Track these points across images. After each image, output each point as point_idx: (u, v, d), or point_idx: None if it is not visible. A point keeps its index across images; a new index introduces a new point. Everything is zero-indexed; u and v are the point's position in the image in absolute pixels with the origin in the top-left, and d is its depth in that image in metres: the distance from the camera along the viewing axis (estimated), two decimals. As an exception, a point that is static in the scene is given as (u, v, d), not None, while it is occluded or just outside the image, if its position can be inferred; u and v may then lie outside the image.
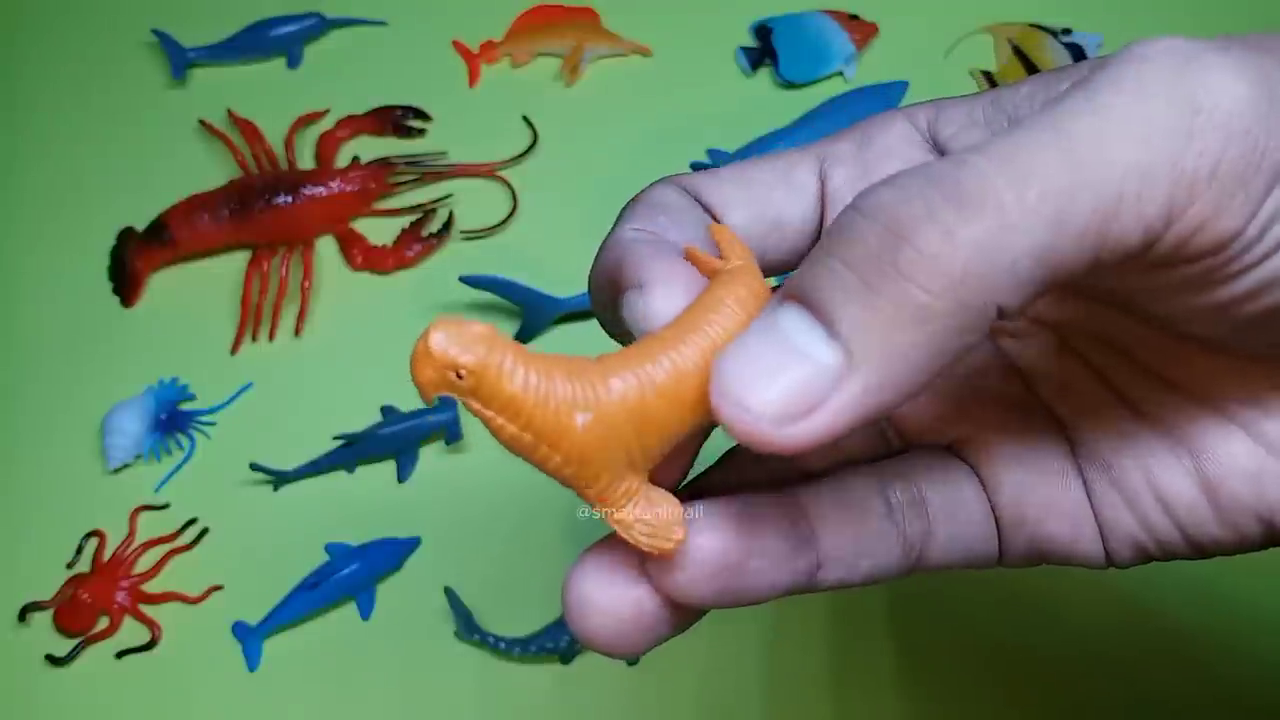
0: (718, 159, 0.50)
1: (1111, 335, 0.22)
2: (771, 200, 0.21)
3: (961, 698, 0.40)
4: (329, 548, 0.43)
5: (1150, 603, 0.42)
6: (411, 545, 0.43)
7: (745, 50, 0.53)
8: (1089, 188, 0.16)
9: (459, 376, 0.17)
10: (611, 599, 0.19)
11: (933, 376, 0.16)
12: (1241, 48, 0.17)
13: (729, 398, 0.16)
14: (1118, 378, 0.22)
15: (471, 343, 0.17)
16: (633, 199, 0.21)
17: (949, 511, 0.21)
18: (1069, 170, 0.16)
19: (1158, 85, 0.16)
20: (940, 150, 0.21)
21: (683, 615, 0.20)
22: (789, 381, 0.16)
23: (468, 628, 0.41)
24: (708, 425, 0.18)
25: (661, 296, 0.18)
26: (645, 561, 0.19)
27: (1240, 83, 0.16)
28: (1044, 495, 0.22)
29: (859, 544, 0.21)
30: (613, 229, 0.21)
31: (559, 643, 0.41)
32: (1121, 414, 0.21)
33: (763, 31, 0.53)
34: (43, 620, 0.43)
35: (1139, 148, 0.16)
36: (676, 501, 0.19)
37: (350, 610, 0.43)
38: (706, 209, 0.21)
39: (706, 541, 0.19)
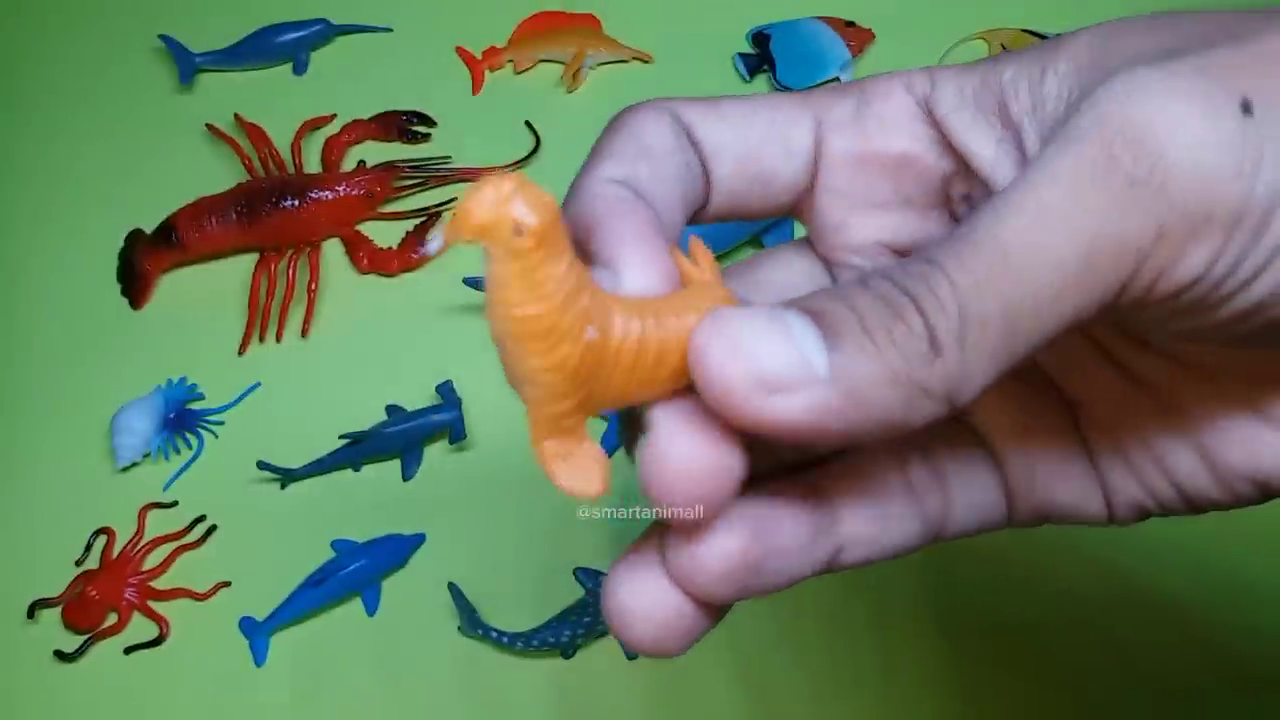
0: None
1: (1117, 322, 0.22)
2: (764, 156, 0.22)
3: (962, 679, 0.41)
4: (335, 544, 0.43)
5: (1149, 578, 0.42)
6: (416, 542, 0.44)
7: (743, 57, 0.54)
8: (1032, 289, 0.17)
9: (516, 232, 0.16)
10: (648, 606, 0.19)
11: (896, 432, 0.17)
12: (1186, 97, 0.17)
13: (718, 345, 0.17)
14: (1123, 356, 0.22)
15: (545, 207, 0.16)
16: (615, 121, 0.21)
17: (964, 482, 0.22)
18: (1009, 278, 0.17)
19: (1087, 169, 0.17)
20: (935, 124, 0.21)
21: (716, 609, 0.20)
22: (778, 357, 0.17)
23: (471, 623, 0.41)
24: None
25: (637, 281, 0.18)
26: (668, 569, 0.19)
27: (1178, 145, 0.16)
28: (1052, 465, 0.22)
29: (881, 524, 0.21)
30: (587, 163, 0.20)
31: (561, 637, 0.41)
32: (1126, 390, 0.22)
33: (760, 39, 0.54)
34: (52, 617, 0.43)
35: (1080, 243, 0.17)
36: (604, 455, 0.19)
37: (356, 606, 0.43)
38: (698, 148, 0.21)
39: (724, 544, 0.19)
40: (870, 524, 0.21)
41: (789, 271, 0.23)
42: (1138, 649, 0.41)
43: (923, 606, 0.42)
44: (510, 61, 0.54)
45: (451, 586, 0.42)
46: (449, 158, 0.52)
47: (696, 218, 0.22)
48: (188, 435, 0.46)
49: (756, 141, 0.22)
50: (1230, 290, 0.17)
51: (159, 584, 0.43)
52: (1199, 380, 0.21)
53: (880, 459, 0.22)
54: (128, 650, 0.42)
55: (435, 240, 0.17)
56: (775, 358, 0.17)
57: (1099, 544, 0.43)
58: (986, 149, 0.21)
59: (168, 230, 0.49)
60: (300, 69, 0.54)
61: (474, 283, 0.48)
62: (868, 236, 0.23)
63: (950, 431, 0.22)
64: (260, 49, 0.54)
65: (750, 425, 0.17)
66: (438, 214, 0.50)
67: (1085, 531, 0.42)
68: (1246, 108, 0.17)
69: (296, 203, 0.49)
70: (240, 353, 0.48)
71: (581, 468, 0.18)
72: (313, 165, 0.52)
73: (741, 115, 0.22)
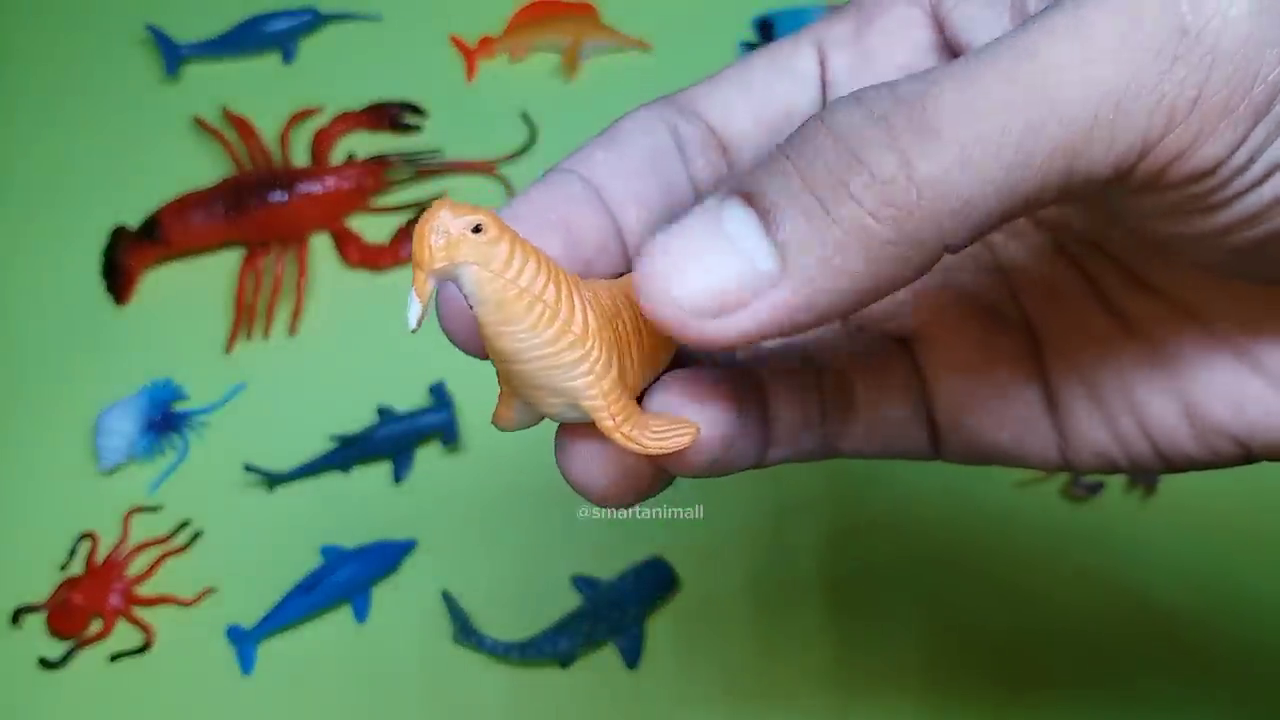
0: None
1: (1108, 243, 0.21)
2: (776, 94, 0.21)
3: (948, 689, 0.40)
4: (324, 550, 0.43)
5: (1135, 584, 0.41)
6: (407, 548, 0.43)
7: (747, 45, 0.52)
8: (1058, 120, 0.15)
9: (478, 232, 0.16)
10: (605, 470, 0.19)
11: (861, 304, 0.16)
12: None
13: (655, 278, 0.16)
14: (1110, 287, 0.21)
15: (479, 208, 0.17)
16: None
17: (872, 402, 0.21)
18: (1039, 102, 0.15)
19: (1145, 2, 0.15)
20: (939, 27, 0.20)
21: (669, 477, 0.20)
22: (719, 275, 0.16)
23: (465, 631, 0.41)
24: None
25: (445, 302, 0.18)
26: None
27: (1238, 7, 0.15)
28: (993, 401, 0.21)
29: (800, 428, 0.21)
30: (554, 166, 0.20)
31: (557, 647, 0.40)
32: (1108, 326, 0.21)
33: (764, 25, 0.53)
34: (36, 623, 0.42)
35: (1116, 72, 0.15)
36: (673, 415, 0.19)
37: (346, 614, 0.42)
38: (702, 118, 0.20)
39: (695, 461, 0.19)
40: (791, 426, 0.21)
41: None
42: (1127, 659, 0.40)
43: (914, 614, 0.41)
44: (505, 51, 0.53)
45: (444, 594, 0.41)
46: (442, 150, 0.51)
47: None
48: (173, 437, 0.45)
49: (762, 84, 0.20)
50: (1238, 189, 0.16)
51: (144, 590, 0.43)
52: (1192, 325, 0.20)
53: (797, 362, 0.21)
54: (113, 658, 0.42)
55: (413, 308, 0.16)
56: (710, 275, 0.15)
57: (1089, 552, 0.42)
58: (989, 37, 0.19)
59: (152, 225, 0.48)
60: (289, 59, 0.53)
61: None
62: None
63: (874, 347, 0.21)
64: (248, 39, 0.53)
65: (718, 348, 0.16)
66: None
67: (1077, 541, 0.42)
68: None
69: (284, 197, 0.48)
70: (227, 351, 0.47)
71: (663, 427, 0.18)
72: (301, 158, 0.51)
73: (738, 72, 0.21)
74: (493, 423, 0.19)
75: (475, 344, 0.19)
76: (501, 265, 0.16)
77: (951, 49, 0.20)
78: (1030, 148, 0.15)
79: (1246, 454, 0.20)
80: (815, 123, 0.16)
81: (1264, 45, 0.15)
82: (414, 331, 0.17)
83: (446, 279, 0.16)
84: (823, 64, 0.21)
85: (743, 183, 0.16)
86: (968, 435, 0.22)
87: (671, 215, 0.20)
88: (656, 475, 0.19)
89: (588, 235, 0.19)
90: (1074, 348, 0.21)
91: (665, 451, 0.18)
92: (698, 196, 0.21)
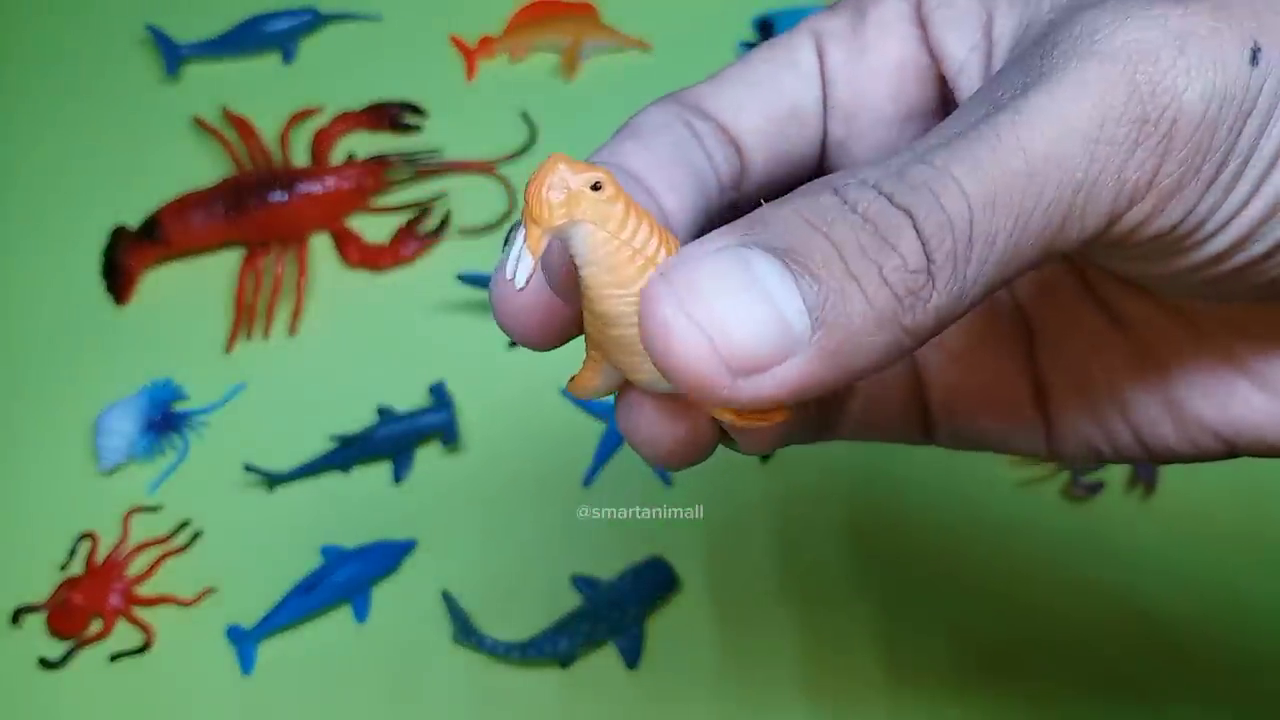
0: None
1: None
2: (782, 90, 0.20)
3: (945, 693, 0.40)
4: (324, 550, 0.43)
5: (1134, 584, 0.41)
6: (407, 548, 0.43)
7: (747, 45, 0.52)
8: (1042, 212, 0.16)
9: (595, 188, 0.16)
10: (673, 432, 0.18)
11: (856, 381, 0.16)
12: (1201, 40, 0.16)
13: (690, 314, 0.15)
14: (1102, 285, 0.21)
15: (594, 166, 0.16)
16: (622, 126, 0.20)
17: (869, 391, 0.21)
18: (1026, 199, 0.16)
19: (1111, 91, 0.16)
20: (922, 23, 0.20)
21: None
22: (759, 328, 0.15)
23: (465, 631, 0.41)
24: None
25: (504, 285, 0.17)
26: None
27: (1192, 90, 0.16)
28: (981, 388, 0.22)
29: (805, 412, 0.21)
30: None
31: (558, 647, 0.40)
32: (1100, 321, 0.21)
33: (764, 25, 0.53)
34: (36, 623, 0.42)
35: (1089, 165, 0.16)
36: None
37: (346, 614, 0.42)
38: (712, 117, 0.20)
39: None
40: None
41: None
42: (1125, 660, 0.40)
43: (929, 623, 0.41)
44: (505, 50, 0.53)
45: (445, 594, 0.41)
46: (442, 150, 0.51)
47: (742, 190, 0.21)
48: (173, 437, 0.45)
49: (768, 81, 0.20)
50: (1201, 238, 0.17)
51: (144, 590, 0.43)
52: (1180, 324, 0.21)
53: None
54: (113, 658, 0.42)
55: (524, 265, 0.16)
56: (750, 327, 0.14)
57: (1089, 552, 0.42)
58: (958, 52, 0.20)
59: (152, 225, 0.48)
60: (289, 59, 0.53)
61: (469, 279, 0.47)
62: (867, 157, 0.21)
63: None
64: (248, 39, 0.53)
65: (721, 406, 0.16)
66: (430, 208, 0.49)
67: (1077, 541, 0.42)
68: (1255, 56, 0.16)
69: (285, 196, 0.48)
70: (227, 351, 0.47)
71: None
72: (301, 158, 0.51)
73: (741, 70, 0.21)
74: (570, 389, 0.18)
75: (534, 333, 0.18)
76: (617, 225, 0.16)
77: (930, 50, 0.20)
78: (1019, 238, 0.16)
79: (1230, 450, 0.21)
80: (832, 197, 0.16)
81: (1213, 126, 0.16)
82: (521, 289, 0.16)
83: (560, 237, 0.16)
84: (821, 57, 0.21)
85: (765, 235, 0.15)
86: (959, 420, 0.22)
87: (698, 217, 0.19)
88: (716, 439, 0.19)
89: (657, 218, 0.18)
90: (1065, 340, 0.21)
91: (761, 425, 0.17)
92: (718, 208, 0.20)
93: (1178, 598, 0.41)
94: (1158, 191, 0.16)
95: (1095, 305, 0.21)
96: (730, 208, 0.20)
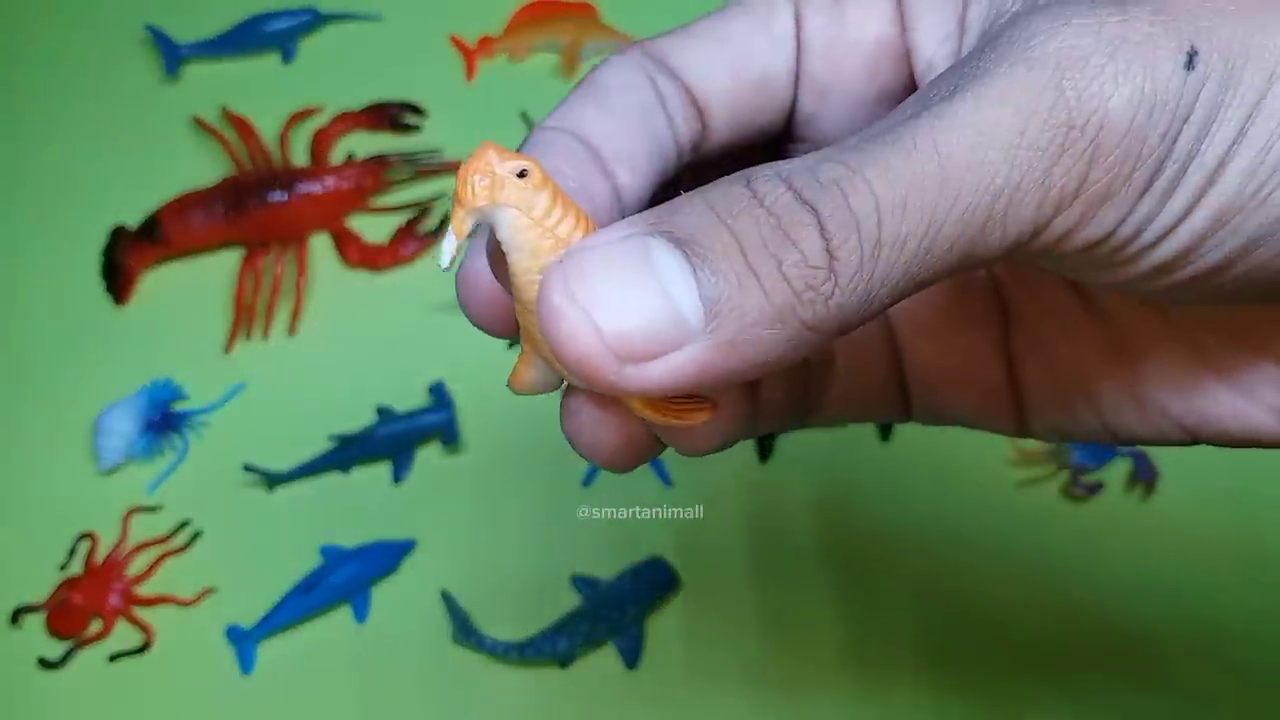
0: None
1: None
2: (753, 54, 0.20)
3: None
4: (324, 550, 0.43)
5: (1134, 585, 0.41)
6: (407, 548, 0.43)
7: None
8: (958, 217, 0.16)
9: (521, 175, 0.16)
10: (613, 435, 0.18)
11: (759, 375, 0.16)
12: (1134, 46, 0.16)
13: (573, 303, 0.15)
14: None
15: (520, 155, 0.16)
16: (583, 79, 0.20)
17: (852, 368, 0.21)
18: (941, 200, 0.16)
19: (1036, 98, 0.16)
20: (903, 8, 0.20)
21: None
22: (647, 315, 0.15)
23: (464, 631, 0.41)
24: None
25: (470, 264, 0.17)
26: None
27: (1119, 96, 0.16)
28: (957, 368, 0.22)
29: (787, 399, 0.21)
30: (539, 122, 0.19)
31: (557, 647, 0.40)
32: (1073, 304, 0.21)
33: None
34: (35, 623, 0.42)
35: (1010, 171, 0.16)
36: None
37: (345, 614, 0.42)
38: (678, 76, 0.20)
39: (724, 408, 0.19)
40: (776, 396, 0.21)
41: None
42: (1129, 669, 0.40)
43: (915, 613, 0.41)
44: (504, 50, 0.53)
45: (444, 594, 0.41)
46: (442, 150, 0.50)
47: (701, 153, 0.20)
48: (172, 437, 0.45)
49: (740, 43, 0.20)
50: (1135, 251, 0.17)
51: (143, 590, 0.43)
52: (1151, 314, 0.21)
53: None
54: (112, 658, 0.42)
55: (447, 244, 0.16)
56: (639, 316, 0.15)
57: (1089, 552, 0.42)
58: (929, 43, 0.19)
59: (152, 225, 0.48)
60: (288, 59, 0.53)
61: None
62: (837, 135, 0.21)
63: None
64: (248, 38, 0.53)
65: (625, 394, 0.16)
66: (429, 208, 0.49)
67: (1076, 540, 0.42)
68: (1190, 60, 0.16)
69: (284, 196, 0.48)
70: (226, 351, 0.47)
71: (680, 399, 0.18)
72: (301, 157, 0.51)
73: (714, 25, 0.20)
74: (509, 385, 0.18)
75: (493, 319, 0.18)
76: (542, 213, 0.16)
77: (903, 26, 0.20)
78: (931, 244, 0.16)
79: (1193, 440, 0.21)
80: (743, 189, 0.16)
81: (1143, 132, 0.16)
82: (446, 270, 0.16)
83: (483, 220, 0.16)
84: (798, 22, 0.20)
85: (671, 225, 0.15)
86: (934, 397, 0.22)
87: (652, 186, 0.19)
88: (653, 440, 0.19)
89: (601, 201, 0.18)
90: (1038, 321, 0.22)
91: (681, 424, 0.17)
92: (675, 171, 0.20)
93: (1179, 598, 0.41)
94: (1086, 198, 0.16)
95: (1070, 289, 0.21)
96: (689, 168, 0.20)
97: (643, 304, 0.15)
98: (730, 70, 0.20)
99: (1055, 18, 0.16)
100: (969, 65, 0.17)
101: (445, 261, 0.16)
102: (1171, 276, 0.17)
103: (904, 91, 0.20)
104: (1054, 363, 0.21)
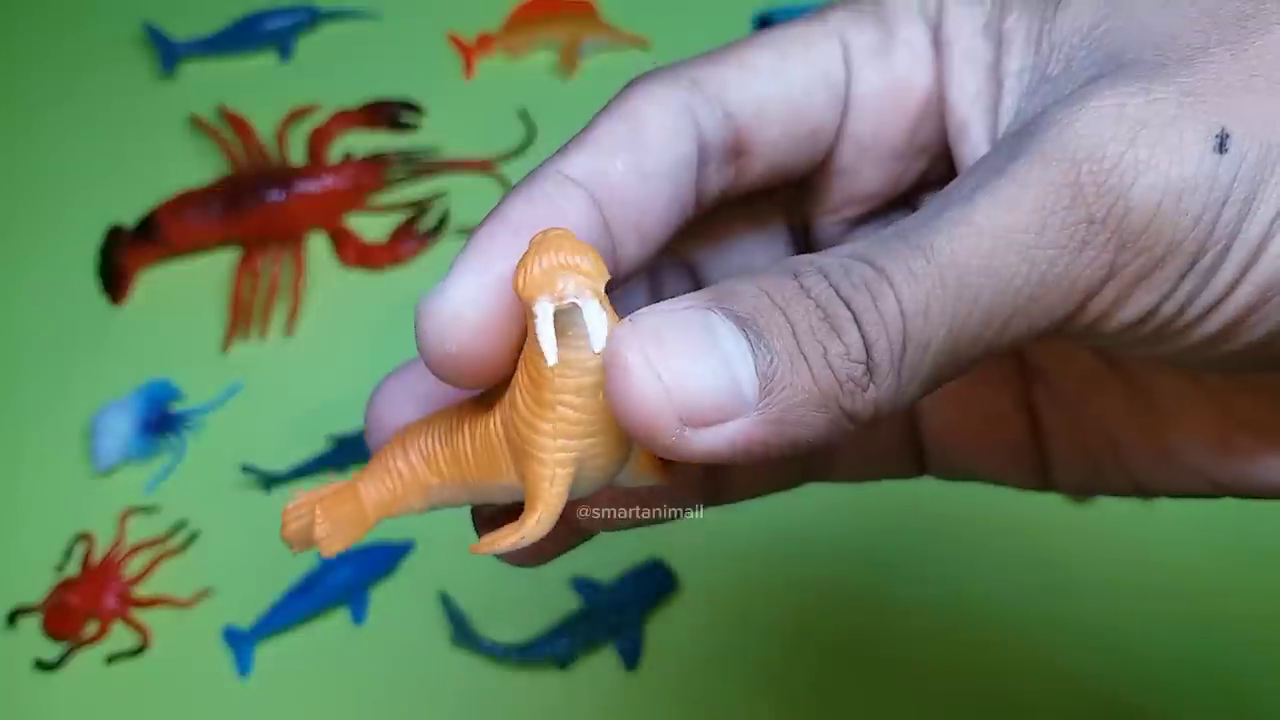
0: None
1: None
2: (809, 107, 0.19)
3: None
4: (321, 551, 0.42)
5: (1136, 586, 0.41)
6: (405, 549, 0.43)
7: (746, 42, 0.52)
8: (981, 317, 0.16)
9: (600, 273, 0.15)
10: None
11: (797, 455, 0.16)
12: (1156, 130, 0.16)
13: (650, 361, 0.15)
14: None
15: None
16: (616, 98, 0.19)
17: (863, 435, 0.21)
18: (960, 300, 0.16)
19: (1053, 197, 0.16)
20: (941, 60, 0.20)
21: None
22: (711, 384, 0.15)
23: (463, 633, 0.41)
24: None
25: (453, 290, 0.17)
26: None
27: (1140, 183, 0.16)
28: (978, 427, 0.22)
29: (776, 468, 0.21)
30: (561, 149, 0.18)
31: (556, 649, 0.40)
32: (1095, 362, 0.21)
33: (764, 23, 0.52)
34: (31, 624, 0.42)
35: (1030, 270, 0.16)
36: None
37: (343, 615, 0.42)
38: (732, 119, 0.19)
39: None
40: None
41: (752, 234, 0.21)
42: (1131, 670, 0.40)
43: (916, 612, 0.41)
44: (503, 48, 0.53)
45: (442, 596, 0.41)
46: (440, 148, 0.50)
47: (723, 198, 0.20)
48: (169, 437, 0.45)
49: (801, 89, 0.19)
50: (1179, 327, 0.17)
51: (140, 591, 0.43)
52: (1179, 375, 0.20)
53: None
54: (109, 659, 0.42)
55: (597, 325, 0.15)
56: (704, 382, 0.15)
57: (1090, 551, 0.42)
58: (962, 100, 0.19)
59: (149, 224, 0.48)
60: (286, 57, 0.53)
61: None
62: (870, 188, 0.21)
63: None
64: (245, 36, 0.53)
65: (666, 455, 0.16)
66: (428, 207, 0.49)
67: (1077, 539, 0.42)
68: (1222, 143, 0.16)
69: (281, 195, 0.48)
70: (223, 351, 0.47)
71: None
72: (298, 156, 0.50)
73: (775, 62, 0.19)
74: (508, 543, 0.17)
75: (470, 363, 0.17)
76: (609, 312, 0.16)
77: (940, 80, 0.20)
78: (955, 343, 0.16)
79: (1223, 493, 0.21)
80: (790, 280, 0.16)
81: (1173, 217, 0.16)
82: (599, 350, 0.16)
83: (566, 306, 0.15)
84: (849, 71, 0.20)
85: (731, 302, 0.16)
86: (953, 455, 0.22)
87: (658, 249, 0.19)
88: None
89: None
90: (1061, 379, 0.21)
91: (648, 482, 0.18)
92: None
93: (1181, 597, 0.41)
94: (1118, 283, 0.16)
95: (1093, 349, 0.21)
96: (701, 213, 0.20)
97: (708, 372, 0.15)
98: (783, 122, 0.19)
99: (1074, 102, 0.16)
100: (994, 159, 0.17)
101: (600, 346, 0.16)
102: (1215, 350, 0.17)
103: (939, 148, 0.20)
104: (1079, 421, 0.21)
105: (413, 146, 0.50)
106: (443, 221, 0.49)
